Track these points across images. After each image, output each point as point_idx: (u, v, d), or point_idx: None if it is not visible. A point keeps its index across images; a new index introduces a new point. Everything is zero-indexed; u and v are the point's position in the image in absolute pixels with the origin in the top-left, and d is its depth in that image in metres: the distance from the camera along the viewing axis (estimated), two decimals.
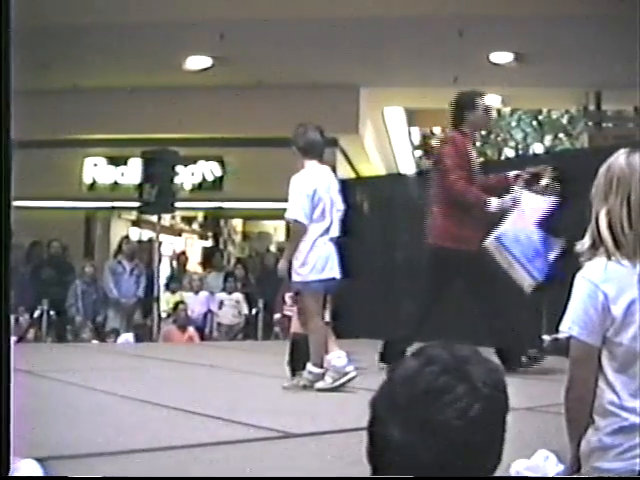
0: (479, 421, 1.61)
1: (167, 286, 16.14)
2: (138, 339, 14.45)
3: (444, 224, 8.44)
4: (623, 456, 2.92)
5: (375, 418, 1.69)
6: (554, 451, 3.00)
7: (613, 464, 2.93)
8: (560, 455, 3.02)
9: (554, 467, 2.95)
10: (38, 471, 1.95)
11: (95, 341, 14.39)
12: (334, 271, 7.48)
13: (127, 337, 14.36)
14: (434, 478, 1.62)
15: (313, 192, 7.38)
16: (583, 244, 3.12)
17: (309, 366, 7.34)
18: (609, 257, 2.99)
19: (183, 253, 19.73)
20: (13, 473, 1.91)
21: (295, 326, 8.41)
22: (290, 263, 7.38)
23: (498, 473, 1.70)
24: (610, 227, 3.02)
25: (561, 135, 28.01)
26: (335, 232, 7.55)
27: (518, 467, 2.91)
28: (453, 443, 1.60)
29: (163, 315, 15.35)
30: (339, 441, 4.88)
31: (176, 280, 16.94)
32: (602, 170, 3.15)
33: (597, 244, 3.05)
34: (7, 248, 2.07)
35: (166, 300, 15.63)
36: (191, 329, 15.01)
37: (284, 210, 7.57)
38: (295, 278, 7.46)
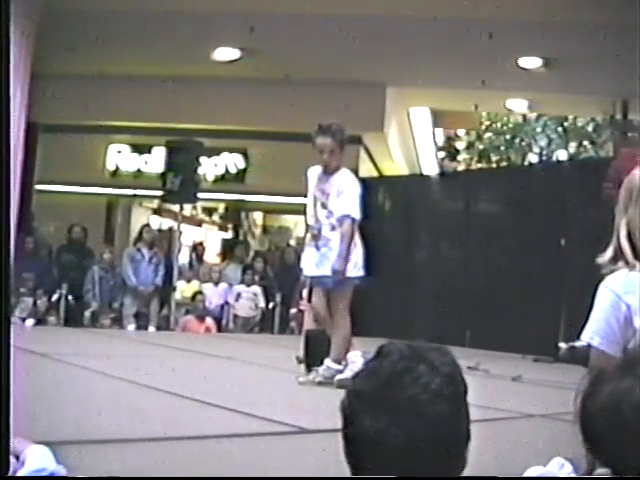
0: (442, 393, 1.68)
1: (181, 275, 16.11)
2: (140, 327, 14.56)
3: None
4: None
5: (346, 418, 1.74)
6: (569, 459, 2.99)
7: None
8: (575, 463, 3.00)
9: (568, 476, 2.94)
10: (49, 457, 1.94)
11: (111, 327, 14.46)
12: (363, 269, 7.56)
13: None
14: (441, 479, 1.66)
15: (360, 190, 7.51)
16: (605, 255, 3.11)
17: (328, 362, 7.34)
18: (630, 268, 2.98)
19: (200, 244, 19.76)
20: (23, 459, 1.90)
21: (308, 323, 8.41)
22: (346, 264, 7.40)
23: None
24: (629, 237, 3.01)
25: (586, 143, 27.89)
26: None
27: (532, 474, 2.89)
28: (421, 416, 1.65)
29: (176, 305, 15.37)
30: None
31: (191, 269, 16.98)
32: (624, 183, 3.15)
33: (618, 255, 3.04)
34: (7, 234, 2.08)
35: (181, 289, 15.64)
36: (209, 320, 15.04)
37: (305, 205, 7.60)
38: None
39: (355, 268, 7.45)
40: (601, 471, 1.76)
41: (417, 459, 1.64)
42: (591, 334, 3.01)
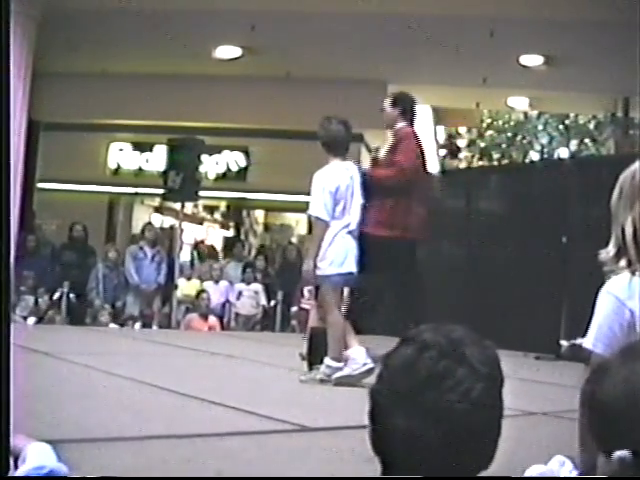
0: (481, 401, 1.64)
1: (182, 273, 16.10)
2: (146, 326, 14.55)
3: None
4: None
5: (376, 407, 1.70)
6: (570, 457, 2.99)
7: None
8: (576, 461, 3.00)
9: (569, 473, 2.93)
10: (50, 454, 1.95)
11: (113, 325, 14.44)
12: (352, 265, 7.49)
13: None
14: (444, 478, 1.63)
15: (336, 189, 7.38)
16: (608, 252, 3.05)
17: (327, 360, 7.33)
18: (633, 271, 2.92)
19: (202, 241, 19.76)
20: (24, 456, 1.91)
21: (313, 320, 8.41)
22: (315, 262, 7.37)
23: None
24: (635, 236, 2.96)
25: (587, 140, 27.88)
26: (355, 226, 7.55)
27: (533, 473, 2.89)
28: (458, 425, 1.62)
29: (177, 303, 15.36)
30: (354, 437, 4.87)
31: (192, 267, 16.98)
32: (626, 178, 3.06)
33: (621, 253, 2.99)
34: (7, 232, 2.08)
35: (181, 287, 15.63)
36: (213, 318, 15.03)
37: (307, 203, 7.57)
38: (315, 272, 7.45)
39: (332, 266, 7.37)
40: (621, 454, 1.72)
41: (446, 459, 1.62)
42: (594, 341, 2.92)
